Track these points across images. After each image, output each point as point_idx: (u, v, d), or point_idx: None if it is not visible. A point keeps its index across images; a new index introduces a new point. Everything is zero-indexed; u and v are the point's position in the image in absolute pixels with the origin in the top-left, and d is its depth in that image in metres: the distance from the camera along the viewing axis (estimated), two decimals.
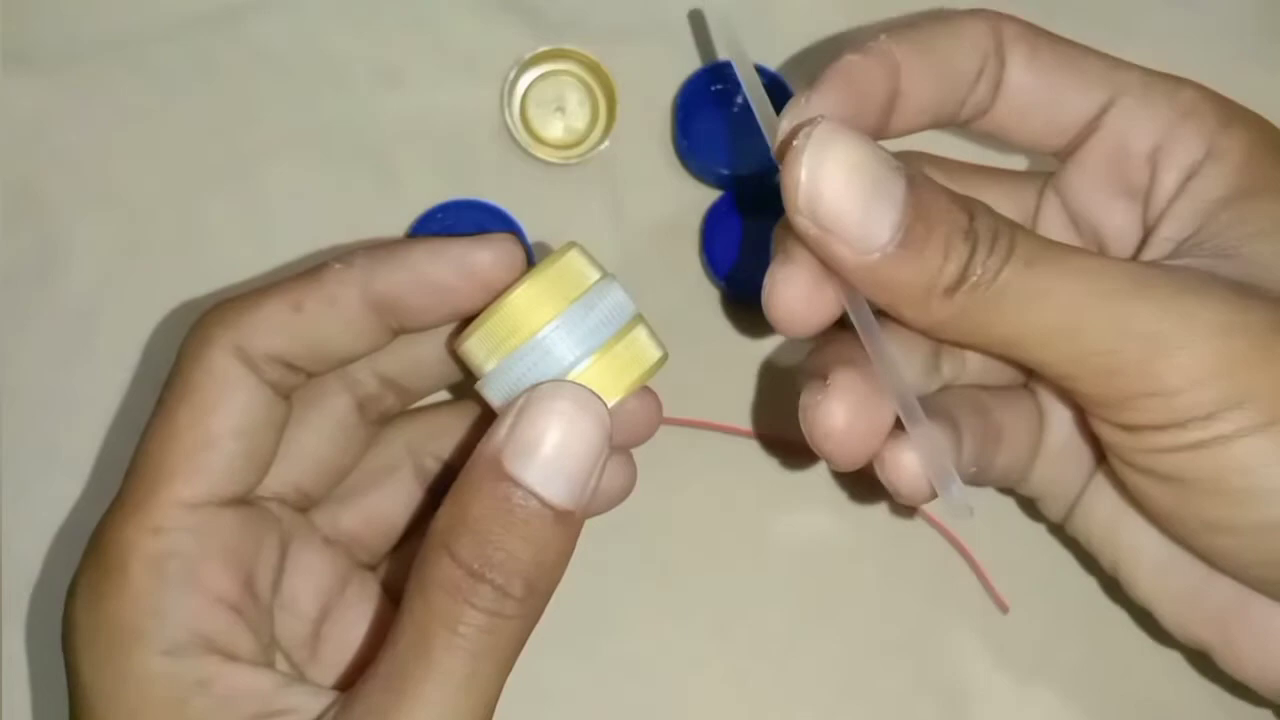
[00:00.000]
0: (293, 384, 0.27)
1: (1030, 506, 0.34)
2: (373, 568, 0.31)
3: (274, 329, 0.26)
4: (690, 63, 0.38)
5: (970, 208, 0.25)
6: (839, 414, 0.26)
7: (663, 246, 0.37)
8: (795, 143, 0.24)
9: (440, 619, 0.23)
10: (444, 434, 0.31)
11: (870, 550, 0.36)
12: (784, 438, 0.36)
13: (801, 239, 0.25)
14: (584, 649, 0.34)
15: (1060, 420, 0.31)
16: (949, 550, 0.35)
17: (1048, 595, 0.36)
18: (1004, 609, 0.35)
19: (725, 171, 0.37)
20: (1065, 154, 0.30)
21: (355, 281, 0.26)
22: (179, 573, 0.25)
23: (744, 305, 0.37)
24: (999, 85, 0.29)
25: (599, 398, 0.24)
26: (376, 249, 0.27)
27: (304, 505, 0.29)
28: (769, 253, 0.28)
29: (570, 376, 0.25)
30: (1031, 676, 0.35)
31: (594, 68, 0.37)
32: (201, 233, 0.37)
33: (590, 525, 0.35)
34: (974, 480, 0.29)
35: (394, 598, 0.30)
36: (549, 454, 0.23)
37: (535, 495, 0.23)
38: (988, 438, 0.29)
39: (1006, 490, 0.30)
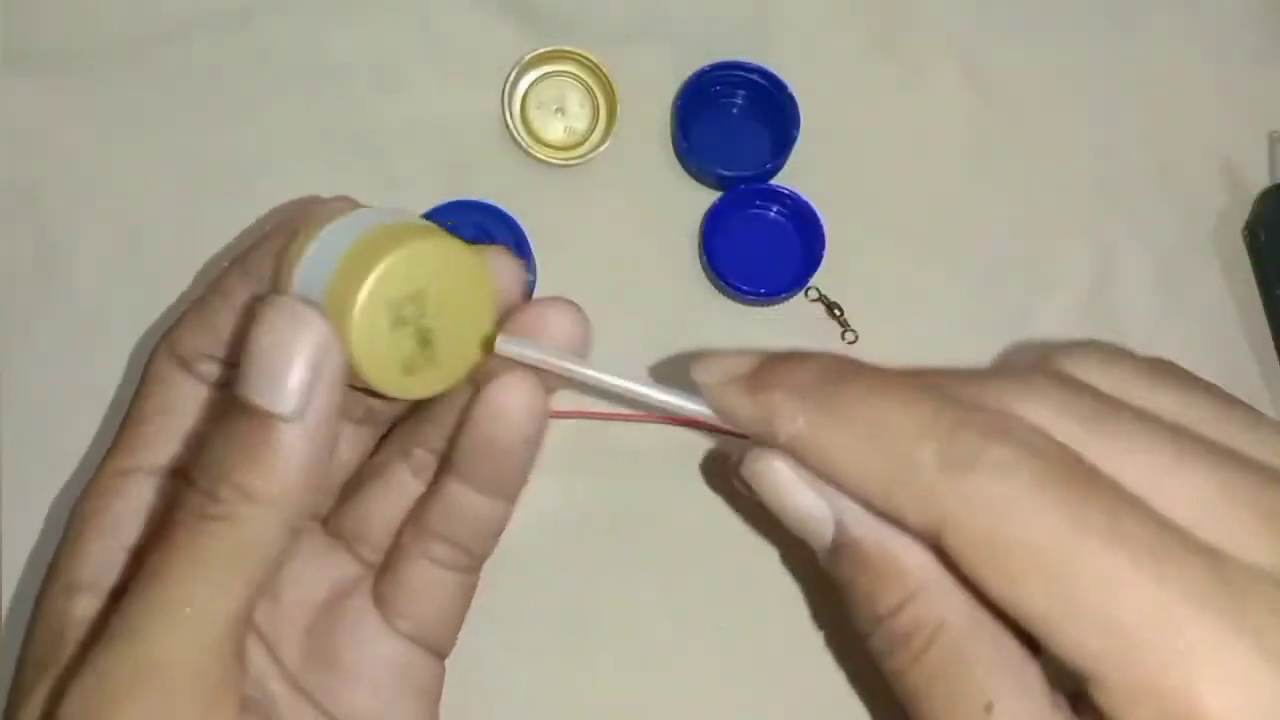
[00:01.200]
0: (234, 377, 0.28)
1: None
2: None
3: (194, 330, 0.28)
4: (690, 63, 0.38)
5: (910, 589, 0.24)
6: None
7: (663, 247, 0.37)
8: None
9: (163, 530, 0.24)
10: (434, 425, 0.31)
11: None
12: None
13: None
14: (584, 649, 0.34)
15: None
16: None
17: None
18: None
19: (725, 172, 0.37)
20: None
21: (239, 274, 0.28)
22: (98, 525, 0.27)
23: (743, 305, 0.37)
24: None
25: (305, 301, 0.24)
26: (255, 241, 0.28)
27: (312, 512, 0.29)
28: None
29: (325, 286, 0.24)
30: None
31: (594, 69, 0.37)
32: (201, 233, 0.37)
33: (589, 526, 0.35)
34: None
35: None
36: (254, 361, 0.24)
37: (244, 401, 0.24)
38: None
39: None
